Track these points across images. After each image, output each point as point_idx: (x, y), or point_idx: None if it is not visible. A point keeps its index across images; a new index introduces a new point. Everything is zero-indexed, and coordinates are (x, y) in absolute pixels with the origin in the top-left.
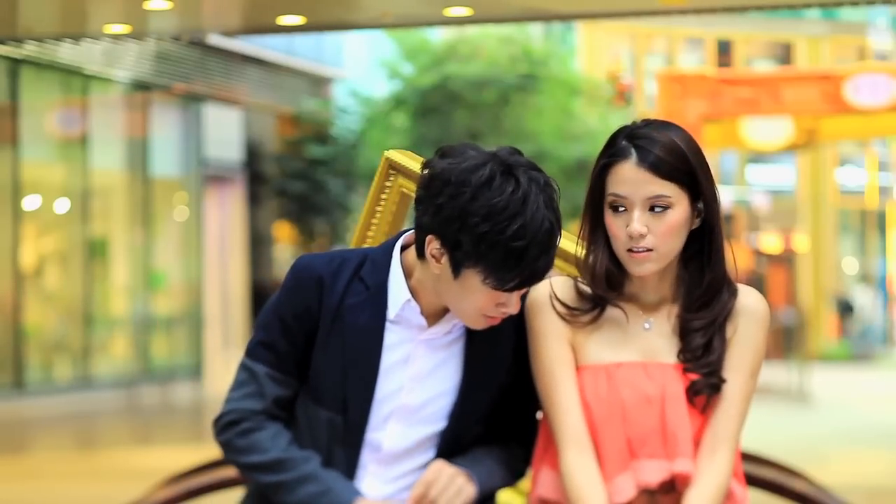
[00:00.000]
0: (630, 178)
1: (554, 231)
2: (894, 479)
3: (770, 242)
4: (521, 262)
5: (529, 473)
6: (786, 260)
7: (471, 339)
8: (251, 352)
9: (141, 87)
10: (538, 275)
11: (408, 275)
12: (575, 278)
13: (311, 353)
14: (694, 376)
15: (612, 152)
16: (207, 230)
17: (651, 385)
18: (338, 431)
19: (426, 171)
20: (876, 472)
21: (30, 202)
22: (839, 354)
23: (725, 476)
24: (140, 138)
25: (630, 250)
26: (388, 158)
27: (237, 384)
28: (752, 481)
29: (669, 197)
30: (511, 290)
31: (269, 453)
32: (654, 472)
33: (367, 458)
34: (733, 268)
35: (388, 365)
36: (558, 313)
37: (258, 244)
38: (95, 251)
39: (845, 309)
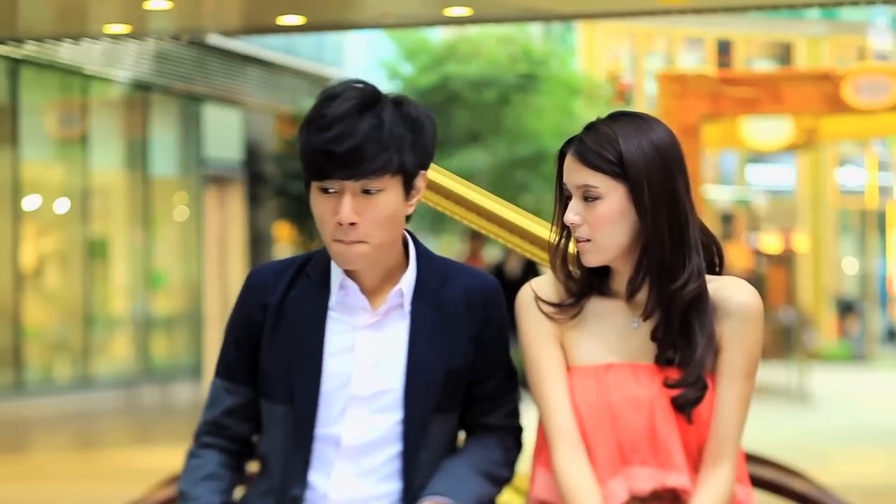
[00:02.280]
0: (568, 168)
1: (361, 118)
2: (894, 478)
3: (770, 242)
4: (322, 134)
5: (528, 473)
6: (786, 260)
7: (414, 324)
8: (215, 369)
9: (141, 87)
10: (341, 155)
11: None
12: (567, 280)
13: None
14: (674, 391)
15: (566, 141)
16: (207, 230)
17: (639, 389)
18: (290, 424)
19: None
20: (875, 471)
21: (30, 202)
22: (839, 354)
23: (728, 487)
24: (140, 138)
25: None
26: None
27: (205, 402)
28: (753, 481)
29: (597, 188)
30: (320, 176)
31: (182, 483)
32: (645, 481)
33: (330, 453)
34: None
35: (334, 353)
36: (544, 313)
37: (258, 244)
38: (95, 251)
39: (845, 309)
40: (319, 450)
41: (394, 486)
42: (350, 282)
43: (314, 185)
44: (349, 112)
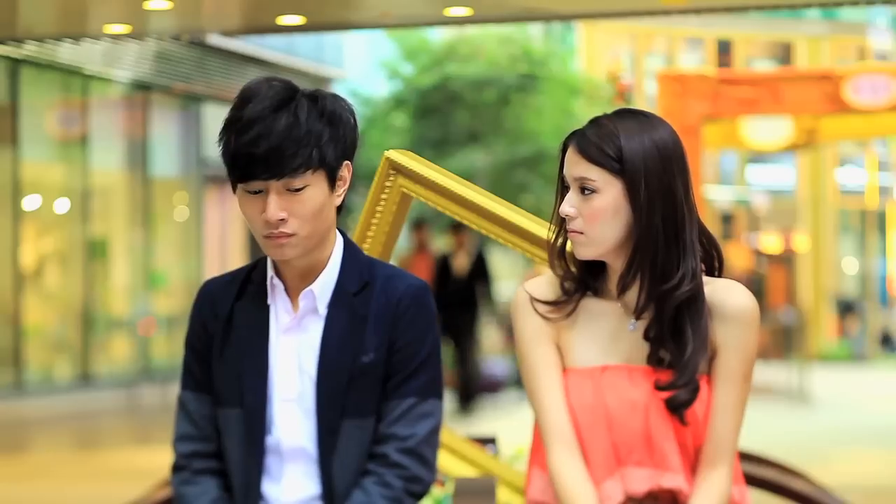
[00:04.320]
0: (568, 160)
1: (278, 117)
2: (894, 478)
3: (770, 242)
4: (240, 138)
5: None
6: (786, 260)
7: (328, 328)
8: (180, 382)
9: (141, 87)
10: (260, 156)
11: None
12: (564, 274)
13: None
14: (667, 393)
15: (569, 134)
16: (207, 230)
17: (635, 391)
18: (242, 428)
19: None
20: (876, 472)
21: (30, 202)
22: (839, 354)
23: (726, 489)
24: (140, 138)
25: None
26: (388, 158)
27: (176, 420)
28: (752, 481)
29: (594, 181)
30: (243, 178)
31: None
32: (640, 482)
33: (275, 460)
34: (697, 261)
35: (272, 355)
36: (539, 313)
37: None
38: (95, 251)
39: (845, 309)
40: (269, 453)
41: (316, 490)
42: (277, 280)
43: (240, 186)
44: (265, 112)
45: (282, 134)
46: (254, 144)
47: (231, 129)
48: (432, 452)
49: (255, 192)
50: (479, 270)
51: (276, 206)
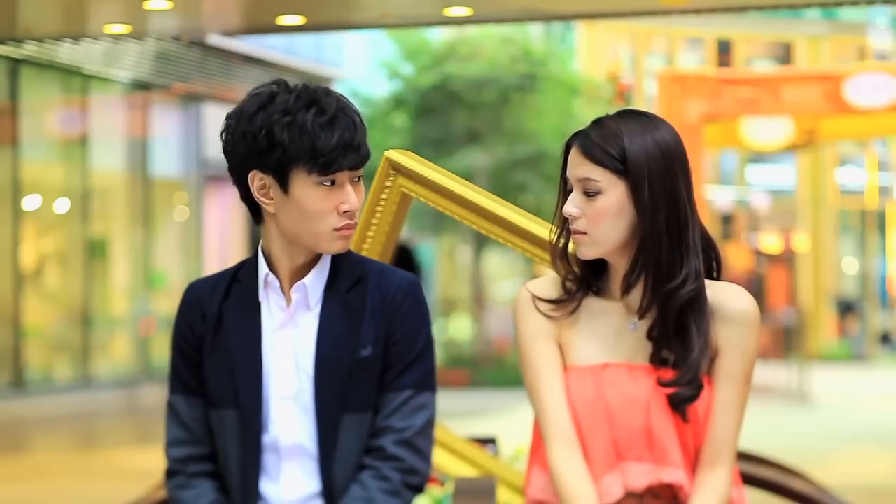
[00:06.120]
0: (572, 160)
1: (349, 106)
2: (894, 478)
3: (770, 242)
4: (333, 130)
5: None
6: (786, 260)
7: (322, 323)
8: (169, 387)
9: (141, 87)
10: (354, 146)
11: (267, 255)
12: (566, 274)
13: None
14: (670, 389)
15: (573, 134)
16: (207, 230)
17: (636, 387)
18: (238, 428)
19: (224, 131)
20: (876, 472)
21: (30, 202)
22: (839, 354)
23: (726, 490)
24: (140, 138)
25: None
26: (388, 158)
27: (166, 424)
28: (752, 481)
29: (598, 181)
30: (337, 168)
31: None
32: (640, 477)
33: (272, 459)
34: (699, 262)
35: (266, 353)
36: (541, 311)
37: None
38: (95, 251)
39: (845, 309)
40: (267, 452)
41: (316, 487)
42: (272, 277)
43: (313, 180)
44: (340, 106)
45: (360, 124)
46: (348, 134)
47: (314, 125)
48: (428, 445)
49: (331, 185)
50: (402, 266)
51: (355, 195)
